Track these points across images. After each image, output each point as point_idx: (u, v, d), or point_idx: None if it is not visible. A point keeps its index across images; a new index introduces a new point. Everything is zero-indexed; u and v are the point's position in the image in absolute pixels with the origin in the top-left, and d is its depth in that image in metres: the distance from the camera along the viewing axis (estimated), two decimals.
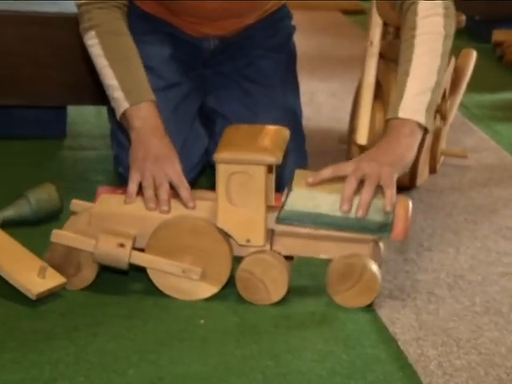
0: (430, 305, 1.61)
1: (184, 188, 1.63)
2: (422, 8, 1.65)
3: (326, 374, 1.40)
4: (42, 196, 1.84)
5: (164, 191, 1.62)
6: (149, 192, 1.63)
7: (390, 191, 1.55)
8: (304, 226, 1.58)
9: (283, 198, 1.60)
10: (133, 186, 1.65)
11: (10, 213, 1.82)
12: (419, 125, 1.60)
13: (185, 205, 1.62)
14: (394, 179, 1.57)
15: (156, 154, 1.66)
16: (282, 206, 1.58)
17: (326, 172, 1.59)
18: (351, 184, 1.56)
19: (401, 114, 1.60)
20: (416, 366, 1.43)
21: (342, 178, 1.57)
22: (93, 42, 1.74)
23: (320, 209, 1.56)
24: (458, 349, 1.48)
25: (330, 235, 1.57)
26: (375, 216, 1.55)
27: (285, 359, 1.43)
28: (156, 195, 1.63)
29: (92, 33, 1.74)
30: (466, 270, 1.74)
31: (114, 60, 1.72)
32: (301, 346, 1.47)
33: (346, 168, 1.58)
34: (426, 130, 1.62)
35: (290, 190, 1.61)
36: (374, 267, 1.56)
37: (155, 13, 1.97)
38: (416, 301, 1.61)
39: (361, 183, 1.56)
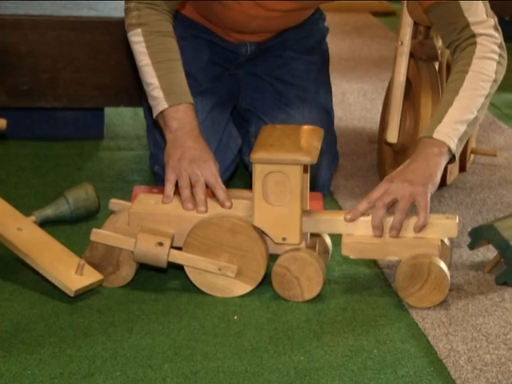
0: (460, 301, 1.63)
1: (220, 188, 1.67)
2: (481, 50, 1.72)
3: (357, 368, 1.42)
4: (80, 195, 1.88)
5: (201, 191, 1.65)
6: (186, 192, 1.66)
7: (424, 214, 1.60)
8: None
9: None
10: (169, 186, 1.68)
11: (48, 212, 1.86)
12: (449, 150, 1.65)
13: (221, 205, 1.66)
14: (429, 199, 1.61)
15: (192, 155, 1.69)
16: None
17: (362, 206, 1.62)
18: (379, 213, 1.60)
19: (435, 135, 1.65)
20: (446, 361, 1.44)
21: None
22: (138, 39, 1.76)
23: None
24: (488, 344, 1.50)
25: (398, 237, 1.60)
26: None
27: (317, 354, 1.46)
28: (193, 195, 1.66)
29: (138, 30, 1.76)
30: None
31: (158, 60, 1.75)
32: (332, 341, 1.50)
33: (380, 193, 1.62)
34: (452, 159, 1.67)
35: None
36: (441, 263, 1.58)
37: (196, 19, 2.00)
38: (446, 296, 1.63)
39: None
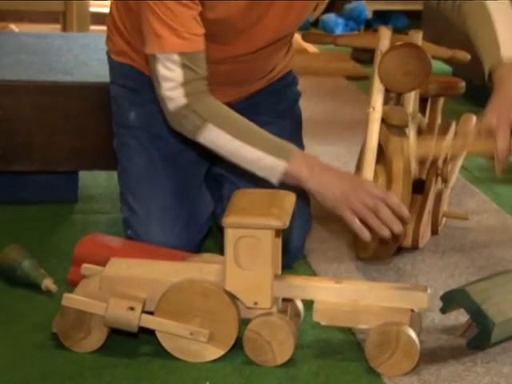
0: (432, 365, 1.63)
1: (391, 197, 1.65)
2: None
3: None
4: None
5: (386, 210, 1.64)
6: (374, 220, 1.65)
7: None
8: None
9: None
10: (357, 223, 1.66)
11: None
12: None
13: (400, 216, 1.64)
14: None
15: (346, 181, 1.69)
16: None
17: (474, 131, 1.63)
18: (504, 140, 1.60)
19: (505, 59, 1.65)
20: None
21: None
22: (215, 133, 1.76)
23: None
24: None
25: (369, 306, 1.61)
26: None
27: None
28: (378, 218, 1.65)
29: (209, 125, 1.76)
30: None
31: (244, 135, 1.75)
32: None
33: (490, 123, 1.62)
34: None
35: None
36: (409, 330, 1.59)
37: None
38: (418, 361, 1.62)
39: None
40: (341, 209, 1.68)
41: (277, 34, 1.93)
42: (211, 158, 2.08)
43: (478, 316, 1.68)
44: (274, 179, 1.76)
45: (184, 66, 1.75)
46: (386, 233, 1.64)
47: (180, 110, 1.77)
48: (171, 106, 1.77)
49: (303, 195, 2.07)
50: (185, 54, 1.75)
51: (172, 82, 1.76)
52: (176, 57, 1.74)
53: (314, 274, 2.00)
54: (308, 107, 2.21)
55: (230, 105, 2.05)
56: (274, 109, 2.10)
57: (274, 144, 1.75)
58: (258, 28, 1.88)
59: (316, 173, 1.71)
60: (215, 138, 1.76)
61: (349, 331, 1.73)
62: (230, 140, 1.75)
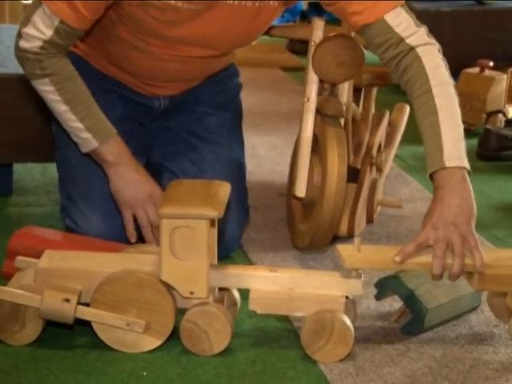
0: (367, 351, 1.66)
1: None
2: (428, 62, 1.72)
3: None
4: None
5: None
6: (148, 231, 1.88)
7: (478, 254, 1.60)
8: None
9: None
10: (131, 225, 1.88)
11: None
12: (465, 170, 1.64)
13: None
14: (476, 236, 1.61)
15: (142, 189, 1.87)
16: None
17: (409, 248, 1.61)
18: (440, 262, 1.59)
19: (447, 164, 1.62)
20: None
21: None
22: (48, 88, 1.81)
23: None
24: None
25: (305, 293, 1.62)
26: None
27: None
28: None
29: (46, 80, 1.81)
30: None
31: (74, 104, 1.82)
32: None
33: (427, 239, 1.61)
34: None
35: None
36: (344, 317, 1.61)
37: (109, 73, 2.01)
38: (353, 347, 1.64)
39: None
40: (124, 208, 1.88)
41: (244, 40, 1.95)
42: (150, 149, 2.09)
43: (412, 302, 1.71)
44: (84, 150, 1.87)
45: (57, 32, 1.77)
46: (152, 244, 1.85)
47: (28, 53, 1.80)
48: (23, 44, 1.80)
49: (243, 187, 2.08)
50: (66, 24, 1.77)
51: (39, 33, 1.78)
52: (57, 21, 1.76)
53: (250, 263, 2.01)
54: (245, 98, 2.21)
55: (174, 97, 2.05)
56: (216, 100, 2.10)
57: (97, 123, 1.85)
58: (223, 34, 1.87)
59: (120, 165, 1.85)
60: (47, 92, 1.83)
61: (285, 319, 1.75)
62: (59, 101, 1.82)
